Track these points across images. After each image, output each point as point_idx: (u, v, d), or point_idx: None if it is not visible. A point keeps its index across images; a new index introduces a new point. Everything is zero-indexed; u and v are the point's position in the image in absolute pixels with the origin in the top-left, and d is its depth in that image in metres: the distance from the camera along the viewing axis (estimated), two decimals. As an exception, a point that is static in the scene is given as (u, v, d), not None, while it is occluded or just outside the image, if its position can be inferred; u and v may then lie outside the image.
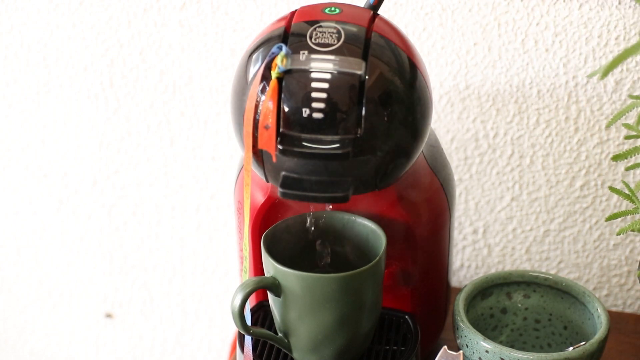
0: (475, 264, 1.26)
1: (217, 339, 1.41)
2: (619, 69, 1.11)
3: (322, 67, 0.86)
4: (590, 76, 0.97)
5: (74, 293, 1.42)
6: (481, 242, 1.24)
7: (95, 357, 1.46)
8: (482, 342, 0.92)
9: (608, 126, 1.09)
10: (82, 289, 1.41)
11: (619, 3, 1.09)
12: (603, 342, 0.94)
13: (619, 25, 1.10)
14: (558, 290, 1.01)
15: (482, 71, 1.15)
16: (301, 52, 0.87)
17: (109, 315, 1.42)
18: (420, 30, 1.14)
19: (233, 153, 1.26)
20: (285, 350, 0.96)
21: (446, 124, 1.18)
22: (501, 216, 1.22)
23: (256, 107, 0.87)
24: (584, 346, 0.92)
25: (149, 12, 1.20)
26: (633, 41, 1.10)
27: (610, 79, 1.12)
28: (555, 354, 0.91)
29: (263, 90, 0.87)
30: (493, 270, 1.26)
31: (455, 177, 1.19)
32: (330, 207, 0.96)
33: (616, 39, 1.10)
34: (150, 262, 1.37)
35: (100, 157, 1.31)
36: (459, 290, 1.19)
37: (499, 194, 1.21)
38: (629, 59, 1.11)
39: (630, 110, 0.92)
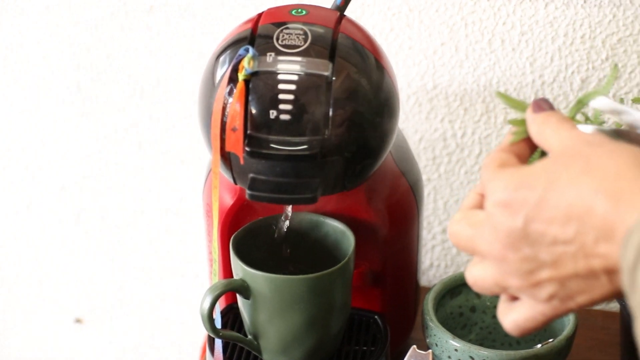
0: (444, 263, 1.26)
1: (187, 342, 1.41)
2: (584, 67, 1.12)
3: (289, 69, 0.86)
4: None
5: (46, 297, 1.41)
6: (450, 242, 1.24)
7: (65, 362, 1.46)
8: (451, 341, 0.92)
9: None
10: (52, 295, 1.41)
11: (585, 2, 1.09)
12: (571, 338, 0.94)
13: (584, 24, 1.10)
14: (527, 288, 1.01)
15: (450, 71, 1.15)
16: (268, 53, 0.87)
17: (78, 321, 1.42)
18: (388, 31, 1.14)
19: (201, 156, 1.26)
20: (255, 353, 0.95)
21: (414, 123, 1.18)
22: (470, 215, 1.22)
23: (223, 109, 0.86)
24: (552, 343, 0.92)
25: (115, 16, 1.20)
26: (598, 40, 1.11)
27: (577, 77, 1.13)
28: (523, 352, 0.91)
29: (230, 93, 0.86)
30: (462, 269, 1.26)
31: (424, 177, 1.20)
32: (290, 209, 0.96)
33: (582, 37, 1.11)
34: (119, 266, 1.36)
35: (68, 162, 1.30)
36: (428, 289, 1.20)
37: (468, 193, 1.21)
38: (595, 57, 1.12)
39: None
